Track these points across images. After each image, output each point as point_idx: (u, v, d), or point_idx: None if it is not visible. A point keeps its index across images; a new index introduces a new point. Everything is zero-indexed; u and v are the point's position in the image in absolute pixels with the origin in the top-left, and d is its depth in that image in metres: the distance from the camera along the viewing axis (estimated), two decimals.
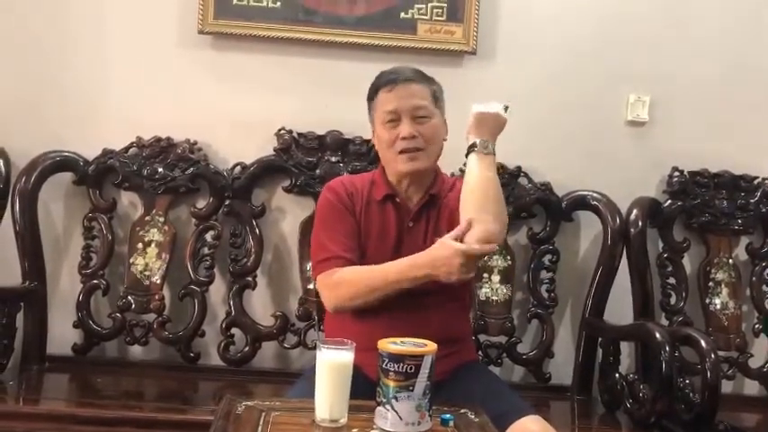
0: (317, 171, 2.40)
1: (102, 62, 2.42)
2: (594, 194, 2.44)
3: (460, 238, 1.65)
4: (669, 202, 2.48)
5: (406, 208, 1.85)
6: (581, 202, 2.46)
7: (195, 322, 2.35)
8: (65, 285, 2.42)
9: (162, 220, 2.39)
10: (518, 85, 2.48)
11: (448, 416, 1.44)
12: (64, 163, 2.36)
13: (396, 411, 1.37)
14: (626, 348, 2.37)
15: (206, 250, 2.38)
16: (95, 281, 2.36)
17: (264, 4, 2.40)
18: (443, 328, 1.67)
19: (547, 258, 2.46)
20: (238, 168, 2.40)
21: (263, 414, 1.44)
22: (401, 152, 1.78)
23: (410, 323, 1.61)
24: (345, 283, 1.75)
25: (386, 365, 1.38)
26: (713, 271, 2.50)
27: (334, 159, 2.41)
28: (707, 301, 2.48)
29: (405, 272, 1.70)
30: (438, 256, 1.66)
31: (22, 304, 2.26)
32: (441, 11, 2.42)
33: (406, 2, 2.42)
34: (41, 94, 2.41)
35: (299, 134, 2.42)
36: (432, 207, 1.85)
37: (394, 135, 1.79)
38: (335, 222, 1.82)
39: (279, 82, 2.44)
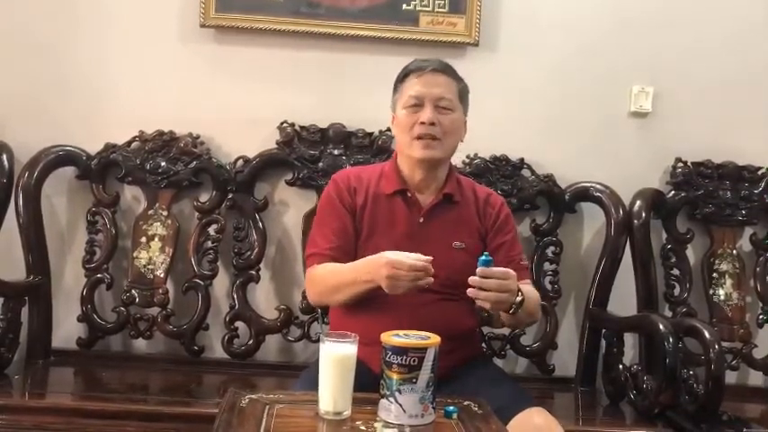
0: (320, 164, 2.40)
1: (105, 57, 2.41)
2: (598, 186, 2.43)
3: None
4: (673, 193, 2.48)
5: (418, 204, 1.85)
6: (584, 194, 2.45)
7: (199, 316, 2.36)
8: (69, 280, 2.42)
9: (165, 213, 2.40)
10: (521, 77, 2.47)
11: (451, 408, 1.44)
12: (67, 157, 2.36)
13: (399, 404, 1.37)
14: (630, 339, 2.37)
15: (209, 244, 2.38)
16: (99, 275, 2.36)
17: None
18: (448, 325, 1.67)
19: (550, 250, 2.45)
20: (241, 162, 2.40)
21: (268, 407, 1.44)
22: (418, 137, 1.80)
23: (414, 319, 1.61)
24: (317, 279, 1.81)
25: (389, 358, 1.38)
26: (717, 262, 2.49)
27: (336, 152, 2.41)
28: (711, 292, 2.47)
29: (354, 275, 1.72)
30: (371, 263, 1.68)
31: (26, 299, 2.27)
32: (443, 2, 2.41)
33: None
34: (44, 89, 2.41)
35: (302, 127, 2.41)
36: (447, 207, 1.86)
37: (414, 120, 1.81)
38: (329, 218, 1.85)
39: (281, 75, 2.44)
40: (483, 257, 1.61)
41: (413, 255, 1.64)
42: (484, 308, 1.70)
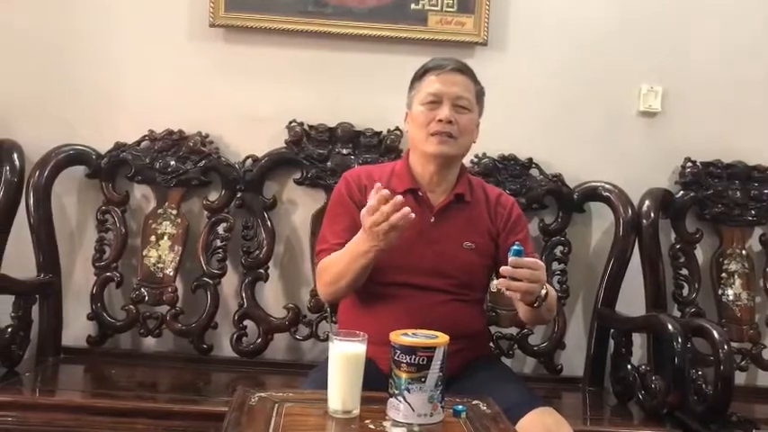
0: (328, 163, 2.40)
1: (114, 56, 2.42)
2: (606, 185, 2.43)
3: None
4: (682, 192, 2.47)
5: (429, 203, 1.85)
6: (593, 194, 2.45)
7: (208, 314, 2.36)
8: (79, 278, 2.44)
9: (174, 212, 2.41)
10: (530, 76, 2.47)
11: (460, 407, 1.44)
12: (77, 156, 2.38)
13: (408, 403, 1.37)
14: (638, 339, 2.37)
15: (218, 243, 2.39)
16: (109, 273, 2.37)
17: None
18: (456, 324, 1.67)
19: (559, 250, 2.45)
20: (250, 161, 2.41)
21: (277, 405, 1.44)
22: (433, 134, 1.79)
23: (423, 318, 1.61)
24: (323, 270, 1.78)
25: (398, 357, 1.38)
26: (726, 262, 2.48)
27: (345, 151, 2.41)
28: (720, 292, 2.47)
29: (352, 250, 1.69)
30: (359, 233, 1.66)
31: (37, 297, 2.28)
32: (451, 2, 2.41)
33: None
34: (54, 89, 2.42)
35: (310, 126, 2.42)
36: (458, 207, 1.85)
37: (431, 116, 1.80)
38: (340, 215, 1.84)
39: (290, 74, 2.44)
40: (514, 247, 1.60)
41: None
42: (504, 299, 1.67)
